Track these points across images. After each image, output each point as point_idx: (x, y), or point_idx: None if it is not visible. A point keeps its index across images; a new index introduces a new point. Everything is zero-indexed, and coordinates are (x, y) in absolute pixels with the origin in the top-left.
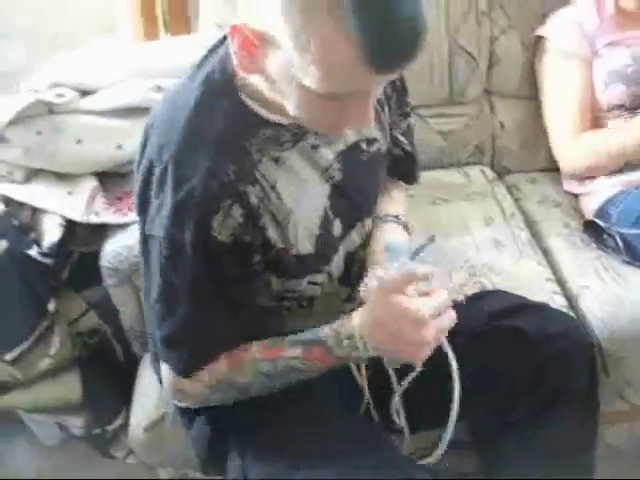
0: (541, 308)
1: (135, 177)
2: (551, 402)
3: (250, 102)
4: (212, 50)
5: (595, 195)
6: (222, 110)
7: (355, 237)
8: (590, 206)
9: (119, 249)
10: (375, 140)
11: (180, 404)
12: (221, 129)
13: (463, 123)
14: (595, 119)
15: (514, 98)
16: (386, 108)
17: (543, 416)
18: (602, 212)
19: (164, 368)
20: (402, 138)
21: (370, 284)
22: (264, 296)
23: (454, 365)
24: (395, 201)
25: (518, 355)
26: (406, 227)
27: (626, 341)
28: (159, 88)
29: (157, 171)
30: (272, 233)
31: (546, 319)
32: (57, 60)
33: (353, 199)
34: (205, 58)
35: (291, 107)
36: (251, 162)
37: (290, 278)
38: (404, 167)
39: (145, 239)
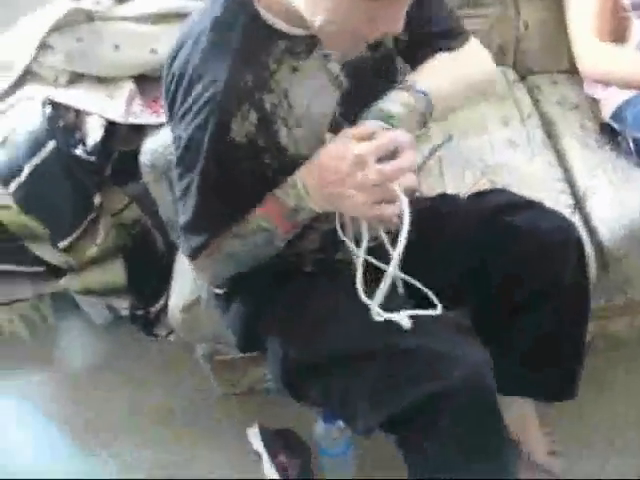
0: (535, 206)
1: (163, 85)
2: (542, 293)
3: (267, 15)
4: None
5: (613, 98)
6: (240, 26)
7: None
8: (607, 109)
9: (156, 147)
10: (380, 44)
11: (203, 280)
12: (239, 44)
13: (488, 23)
14: (619, 20)
15: None
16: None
17: (535, 305)
18: (618, 114)
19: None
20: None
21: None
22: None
23: (406, 220)
24: (424, 70)
25: (509, 250)
26: (409, 89)
27: (627, 239)
28: None
29: (184, 82)
30: (284, 138)
31: (538, 216)
32: None
33: (363, 105)
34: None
35: (322, 17)
36: (268, 72)
37: None
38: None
39: (174, 140)
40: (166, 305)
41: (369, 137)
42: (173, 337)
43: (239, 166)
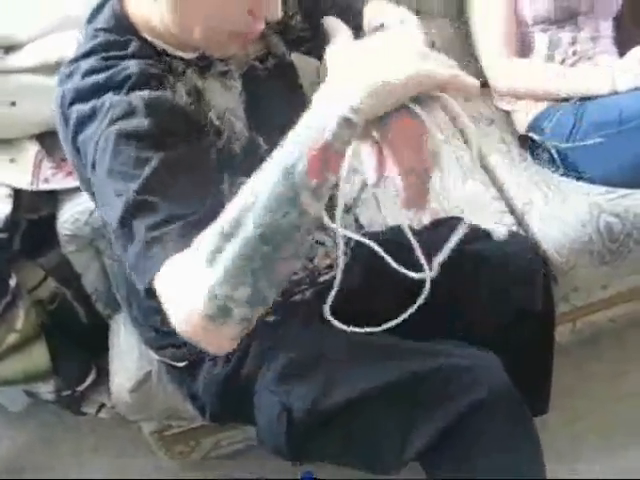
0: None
1: (59, 123)
2: (515, 321)
3: (156, 42)
4: (101, 4)
5: (526, 110)
6: (132, 41)
7: None
8: (523, 121)
9: (77, 215)
10: (268, 55)
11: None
12: (137, 50)
13: None
14: (522, 35)
15: (441, 17)
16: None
17: (508, 335)
18: (535, 126)
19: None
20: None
21: None
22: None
23: None
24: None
25: (481, 278)
26: None
27: (572, 251)
28: None
29: (78, 105)
30: (214, 118)
31: (505, 243)
32: None
33: (267, 116)
34: (95, 12)
35: (201, 22)
36: (177, 72)
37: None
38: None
39: (91, 170)
40: (95, 381)
41: None
42: (105, 414)
43: (184, 127)
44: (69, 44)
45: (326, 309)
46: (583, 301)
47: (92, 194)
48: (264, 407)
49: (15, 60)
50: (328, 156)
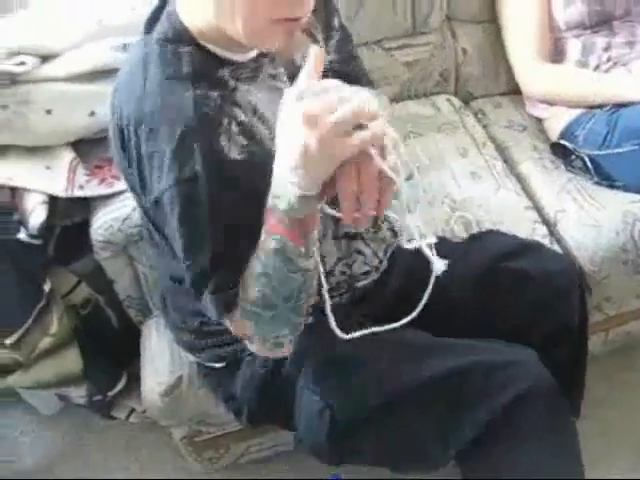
0: (538, 249)
1: (113, 143)
2: (553, 338)
3: (209, 46)
4: (157, 12)
5: (558, 117)
6: (186, 54)
7: None
8: (555, 128)
9: (110, 222)
10: None
11: (261, 351)
12: (192, 67)
13: (428, 52)
14: (555, 40)
15: (474, 23)
16: (330, 41)
17: (545, 351)
18: (567, 134)
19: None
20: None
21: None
22: None
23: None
24: None
25: (522, 295)
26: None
27: (605, 261)
28: (125, 46)
29: (144, 126)
30: (268, 142)
31: (545, 260)
32: (7, 23)
33: None
34: (151, 21)
35: (239, 20)
36: (230, 88)
37: None
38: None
39: (153, 204)
40: (127, 386)
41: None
42: (135, 418)
43: (242, 187)
44: (104, 53)
45: (331, 321)
46: (616, 310)
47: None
48: (305, 406)
49: (51, 69)
50: (302, 225)
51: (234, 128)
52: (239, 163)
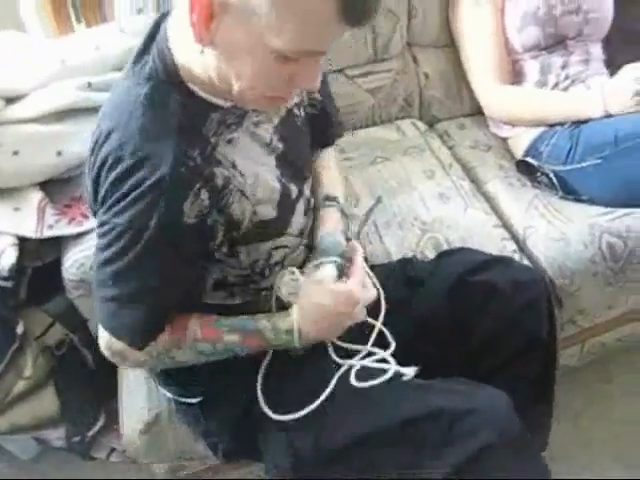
0: (506, 262)
1: (87, 177)
2: (522, 350)
3: (198, 90)
4: (146, 44)
5: (521, 136)
6: (175, 101)
7: (307, 192)
8: (519, 146)
9: (82, 260)
10: (301, 103)
11: (117, 362)
12: (178, 119)
13: (390, 78)
14: (514, 62)
15: (435, 47)
16: None
17: (514, 364)
18: (532, 151)
19: (102, 333)
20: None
21: (287, 282)
22: (231, 272)
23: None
24: (333, 178)
25: (491, 307)
26: (343, 211)
27: (576, 274)
28: (90, 85)
29: (120, 167)
30: (236, 210)
31: (513, 272)
32: None
33: (296, 163)
34: (141, 54)
35: (242, 81)
36: (211, 145)
37: (257, 243)
38: (323, 128)
39: (99, 224)
40: (105, 426)
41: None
42: (116, 457)
43: (185, 247)
44: (69, 92)
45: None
46: (589, 323)
47: None
48: (271, 443)
49: (17, 110)
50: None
51: (203, 194)
52: (191, 227)
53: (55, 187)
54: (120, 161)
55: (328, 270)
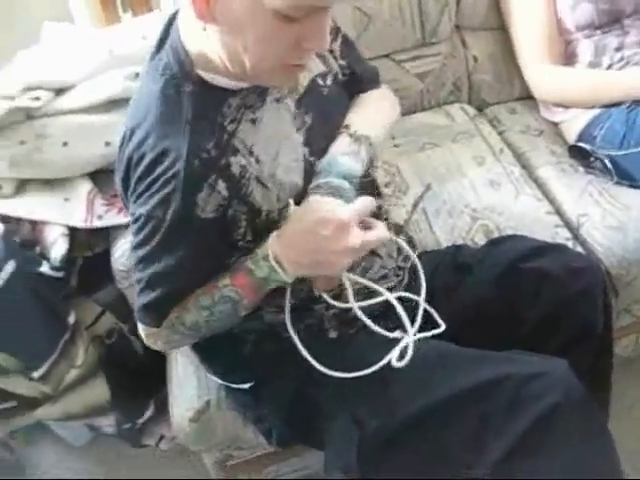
0: (560, 249)
1: (118, 173)
2: (576, 338)
3: (210, 77)
4: (160, 42)
5: (574, 120)
6: (188, 94)
7: None
8: (572, 131)
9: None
10: (327, 73)
11: (154, 347)
12: (192, 111)
13: (439, 62)
14: (566, 43)
15: (483, 30)
16: (332, 52)
17: (568, 352)
18: (585, 135)
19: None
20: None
21: (285, 217)
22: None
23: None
24: (354, 111)
25: (543, 294)
26: (357, 137)
27: (633, 264)
28: (137, 75)
29: (144, 162)
30: (258, 198)
31: (567, 259)
32: (20, 59)
33: (327, 135)
34: (156, 51)
35: (249, 53)
36: (227, 134)
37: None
38: (357, 89)
39: (131, 214)
40: (156, 413)
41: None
42: (165, 444)
43: (202, 240)
44: (117, 83)
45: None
46: None
47: None
48: (333, 424)
49: (65, 102)
50: (263, 291)
51: (220, 184)
52: (208, 221)
53: (104, 178)
54: (143, 158)
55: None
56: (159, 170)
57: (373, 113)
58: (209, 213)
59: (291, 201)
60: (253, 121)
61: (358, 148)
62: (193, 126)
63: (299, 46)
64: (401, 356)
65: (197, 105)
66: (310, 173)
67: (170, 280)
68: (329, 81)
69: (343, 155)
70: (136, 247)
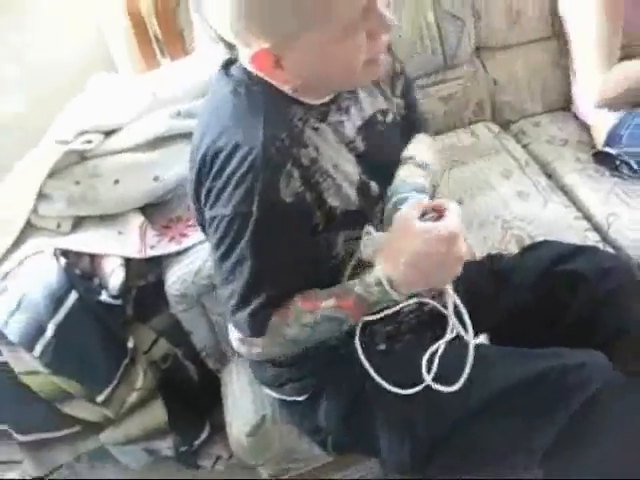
0: (592, 251)
1: (188, 179)
2: (614, 336)
3: (277, 84)
4: (224, 71)
5: (604, 122)
6: (259, 93)
7: None
8: (601, 133)
9: (184, 276)
10: (387, 111)
11: (246, 357)
12: (264, 106)
13: (461, 85)
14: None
15: (502, 49)
16: (394, 90)
17: (605, 351)
18: (612, 135)
19: (233, 334)
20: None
21: (365, 243)
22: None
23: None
24: (414, 146)
25: (579, 295)
26: (420, 165)
27: None
28: (179, 113)
29: (220, 158)
30: (326, 192)
31: (599, 260)
32: (71, 107)
33: (380, 164)
34: (222, 77)
35: (335, 75)
36: (297, 128)
37: (347, 230)
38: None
39: (209, 220)
40: (210, 435)
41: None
42: (220, 464)
43: (291, 228)
44: (162, 122)
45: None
46: None
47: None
48: (386, 425)
49: (115, 143)
50: (371, 310)
51: (295, 172)
52: (290, 205)
53: (153, 210)
54: (218, 153)
55: (404, 209)
56: (234, 163)
57: (427, 148)
58: (290, 197)
59: (371, 228)
60: (314, 129)
61: (425, 174)
62: (266, 117)
63: (372, 38)
64: None
65: (268, 100)
66: (365, 194)
67: (268, 282)
68: (389, 119)
69: (414, 176)
70: (221, 259)
